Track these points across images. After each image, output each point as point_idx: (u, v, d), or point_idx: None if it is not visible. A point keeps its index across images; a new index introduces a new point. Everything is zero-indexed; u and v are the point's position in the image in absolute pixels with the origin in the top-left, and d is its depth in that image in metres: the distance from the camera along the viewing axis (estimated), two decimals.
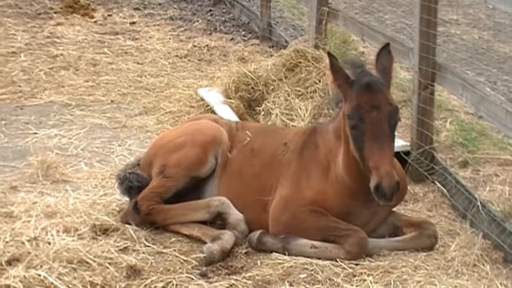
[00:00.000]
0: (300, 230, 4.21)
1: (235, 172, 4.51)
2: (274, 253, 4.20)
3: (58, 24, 9.30)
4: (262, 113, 6.12)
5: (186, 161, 4.46)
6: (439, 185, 5.03)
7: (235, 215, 4.26)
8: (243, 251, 4.25)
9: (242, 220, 4.24)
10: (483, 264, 4.12)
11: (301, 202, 4.23)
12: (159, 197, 4.40)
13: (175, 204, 4.39)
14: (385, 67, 4.14)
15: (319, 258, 4.11)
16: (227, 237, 4.16)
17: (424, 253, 4.21)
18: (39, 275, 3.77)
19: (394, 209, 4.48)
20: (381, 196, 3.86)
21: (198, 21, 9.84)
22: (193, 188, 4.51)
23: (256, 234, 4.27)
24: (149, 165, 4.60)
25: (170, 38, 8.99)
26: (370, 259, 4.11)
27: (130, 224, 4.37)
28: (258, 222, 4.32)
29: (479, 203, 4.56)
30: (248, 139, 4.61)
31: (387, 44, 4.23)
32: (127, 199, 4.57)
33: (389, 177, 3.83)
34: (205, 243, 4.19)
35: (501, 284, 3.90)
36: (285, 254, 4.16)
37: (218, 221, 4.28)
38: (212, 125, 4.69)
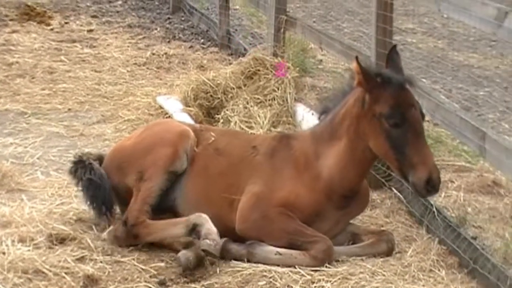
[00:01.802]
0: (268, 231, 4.21)
1: (201, 168, 4.50)
2: (233, 260, 4.19)
3: (14, 31, 9.19)
4: (221, 121, 6.12)
5: (161, 159, 4.42)
6: (396, 191, 5.08)
7: (208, 226, 4.14)
8: None
9: (215, 232, 4.11)
10: (439, 269, 4.17)
11: (272, 202, 4.23)
12: (146, 204, 4.34)
13: (156, 221, 4.32)
14: (398, 66, 4.27)
15: (282, 265, 4.10)
16: (202, 243, 4.08)
17: (382, 259, 4.24)
18: None
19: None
20: (431, 189, 4.02)
21: (156, 29, 9.82)
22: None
23: (221, 241, 4.23)
24: (119, 171, 4.53)
25: (128, 46, 8.94)
26: (328, 265, 4.12)
27: (118, 239, 4.29)
28: (223, 219, 4.30)
29: (434, 209, 4.62)
30: (213, 138, 4.61)
31: (395, 46, 4.40)
32: (77, 187, 4.54)
33: (437, 170, 4.04)
34: (178, 250, 4.16)
35: None
36: (248, 261, 4.15)
37: (193, 235, 4.17)
38: (176, 124, 4.74)
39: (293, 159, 4.37)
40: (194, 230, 4.12)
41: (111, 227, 4.40)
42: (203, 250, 4.02)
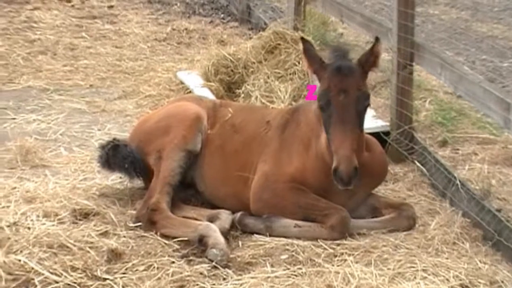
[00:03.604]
0: (281, 208, 4.23)
1: (217, 147, 4.54)
2: (255, 234, 4.20)
3: (35, 8, 9.23)
4: (242, 95, 6.12)
5: (177, 138, 4.47)
6: (418, 164, 5.06)
7: (216, 236, 4.03)
8: None
9: (223, 243, 4.00)
10: (463, 242, 4.15)
11: (281, 179, 4.24)
12: (167, 184, 4.36)
13: (175, 216, 4.30)
14: (367, 56, 4.16)
15: (302, 238, 4.11)
16: (209, 253, 3.99)
17: (404, 233, 4.24)
18: (19, 260, 3.74)
19: (374, 190, 4.50)
20: (338, 180, 3.90)
21: (176, 4, 9.81)
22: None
23: (237, 215, 4.28)
24: (139, 152, 4.56)
25: (148, 22, 8.95)
26: (350, 239, 4.13)
27: (139, 222, 4.27)
28: (238, 197, 4.36)
29: (458, 182, 4.60)
30: (230, 115, 4.63)
31: (377, 38, 4.26)
32: (126, 173, 4.55)
33: (347, 162, 3.87)
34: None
35: (480, 261, 3.93)
36: (267, 235, 4.16)
37: (201, 247, 4.06)
38: (191, 106, 4.71)
39: (300, 134, 4.35)
40: (201, 240, 4.05)
41: (136, 204, 4.44)
42: (210, 259, 3.93)
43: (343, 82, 4.01)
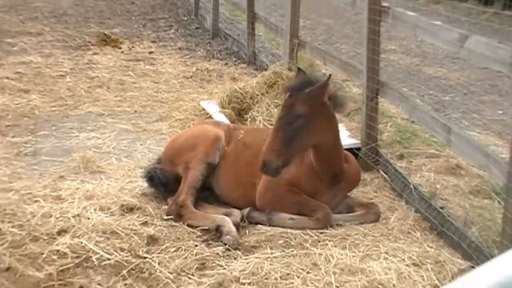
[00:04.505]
0: (280, 205, 4.22)
1: (232, 160, 4.53)
2: (259, 225, 4.21)
3: (95, 53, 9.27)
4: (249, 119, 6.12)
5: (201, 153, 4.46)
6: (382, 173, 5.06)
7: (230, 226, 4.02)
8: None
9: (235, 231, 3.99)
10: (415, 232, 4.15)
11: (281, 183, 4.22)
12: (192, 187, 4.34)
13: (198, 211, 4.28)
14: (317, 87, 4.00)
15: (295, 228, 4.12)
16: (224, 239, 3.98)
17: (371, 224, 4.24)
18: (81, 242, 3.76)
19: (348, 193, 4.50)
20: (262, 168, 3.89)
21: (200, 50, 9.83)
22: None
23: (246, 210, 4.28)
24: (171, 163, 4.56)
25: (179, 63, 8.98)
26: (331, 229, 4.13)
27: (170, 215, 4.25)
28: (248, 197, 4.35)
29: (412, 186, 4.60)
30: (241, 135, 4.63)
31: (329, 76, 4.16)
32: (155, 189, 4.55)
33: (266, 156, 3.86)
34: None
35: (428, 246, 3.92)
36: (267, 226, 4.17)
37: (218, 234, 4.06)
38: (211, 128, 4.70)
39: None
40: (218, 229, 4.04)
41: (168, 201, 4.43)
42: (224, 243, 3.92)
43: (286, 101, 4.00)
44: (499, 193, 4.31)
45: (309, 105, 3.93)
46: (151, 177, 4.55)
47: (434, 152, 5.39)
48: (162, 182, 4.50)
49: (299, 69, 4.33)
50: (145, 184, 4.63)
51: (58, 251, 3.69)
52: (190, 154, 4.49)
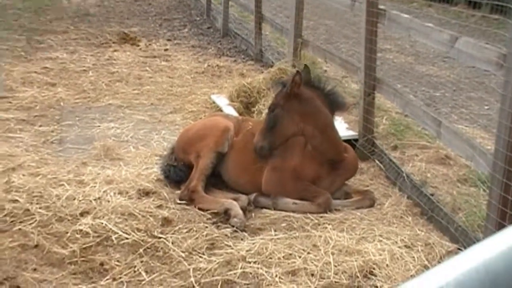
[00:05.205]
0: (285, 191, 4.21)
1: (240, 148, 4.50)
2: (264, 209, 4.20)
3: (115, 50, 9.25)
4: (256, 112, 6.10)
5: (211, 143, 4.44)
6: (377, 162, 5.04)
7: (237, 209, 4.02)
8: None
9: (241, 214, 3.99)
10: (407, 216, 4.14)
11: (286, 169, 4.22)
12: (202, 175, 4.33)
13: (208, 196, 4.27)
14: (290, 83, 4.11)
15: (297, 212, 4.11)
16: (232, 221, 3.97)
17: (367, 209, 4.23)
18: (102, 223, 3.78)
19: (346, 181, 4.49)
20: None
21: (211, 48, 9.80)
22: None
23: (253, 196, 4.27)
24: (183, 152, 4.55)
25: (191, 60, 8.95)
26: (330, 213, 4.13)
27: (182, 199, 4.24)
28: (254, 182, 4.33)
29: (404, 175, 4.58)
30: (250, 127, 4.61)
31: (297, 72, 4.19)
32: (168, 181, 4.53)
33: (257, 142, 4.12)
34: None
35: (418, 229, 3.92)
36: (272, 210, 4.16)
37: (226, 217, 4.06)
38: (222, 120, 4.69)
39: (298, 139, 4.30)
40: (226, 212, 4.04)
41: (181, 187, 4.43)
42: (232, 225, 3.92)
43: (275, 97, 4.22)
44: (484, 181, 4.29)
45: (284, 97, 4.12)
46: (167, 177, 4.52)
47: (425, 143, 5.37)
48: (176, 180, 4.47)
49: (305, 66, 4.36)
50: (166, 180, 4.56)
51: (81, 230, 3.71)
52: (201, 144, 4.48)
